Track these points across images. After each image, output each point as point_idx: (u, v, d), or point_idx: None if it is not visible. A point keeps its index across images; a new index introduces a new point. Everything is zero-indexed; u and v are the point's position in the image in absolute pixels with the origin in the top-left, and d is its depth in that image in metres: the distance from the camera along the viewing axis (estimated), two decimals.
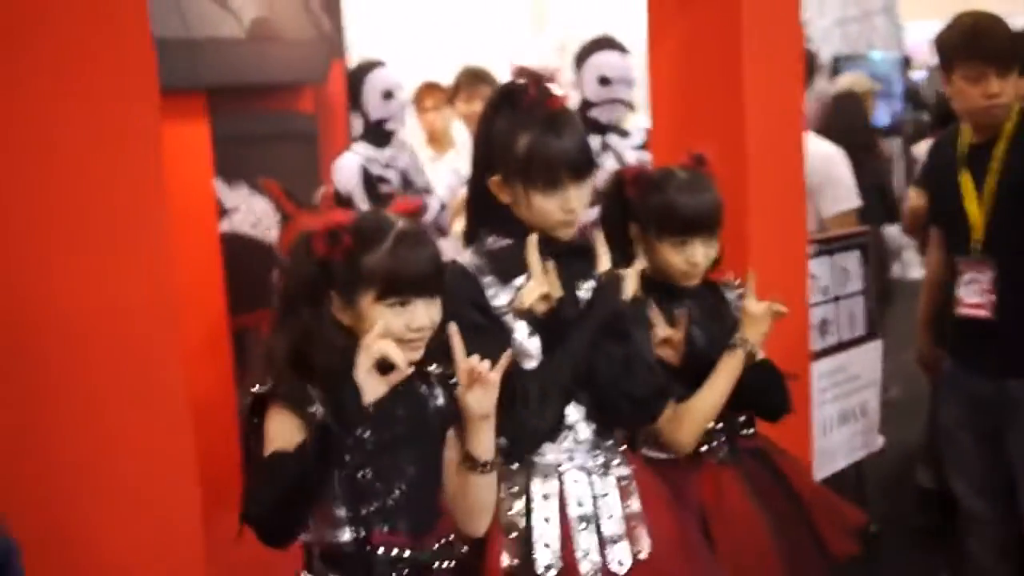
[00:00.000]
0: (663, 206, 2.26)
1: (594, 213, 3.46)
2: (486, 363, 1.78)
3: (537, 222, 2.00)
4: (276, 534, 1.72)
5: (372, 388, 1.68)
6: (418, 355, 1.79)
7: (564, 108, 1.99)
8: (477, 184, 2.06)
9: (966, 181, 2.98)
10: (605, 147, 4.31)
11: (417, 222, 1.87)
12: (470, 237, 2.08)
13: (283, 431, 1.72)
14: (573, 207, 1.98)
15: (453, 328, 1.80)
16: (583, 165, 1.98)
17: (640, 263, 2.12)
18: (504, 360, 1.82)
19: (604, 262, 2.07)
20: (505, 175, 1.99)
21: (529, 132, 1.95)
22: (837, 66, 8.86)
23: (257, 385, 1.78)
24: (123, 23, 1.56)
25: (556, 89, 2.00)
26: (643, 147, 4.34)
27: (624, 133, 4.32)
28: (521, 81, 1.99)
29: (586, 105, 4.28)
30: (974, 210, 2.96)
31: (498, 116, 2.00)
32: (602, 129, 4.31)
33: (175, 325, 1.69)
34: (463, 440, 1.87)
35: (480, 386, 1.79)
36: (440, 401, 1.89)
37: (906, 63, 8.98)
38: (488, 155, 2.01)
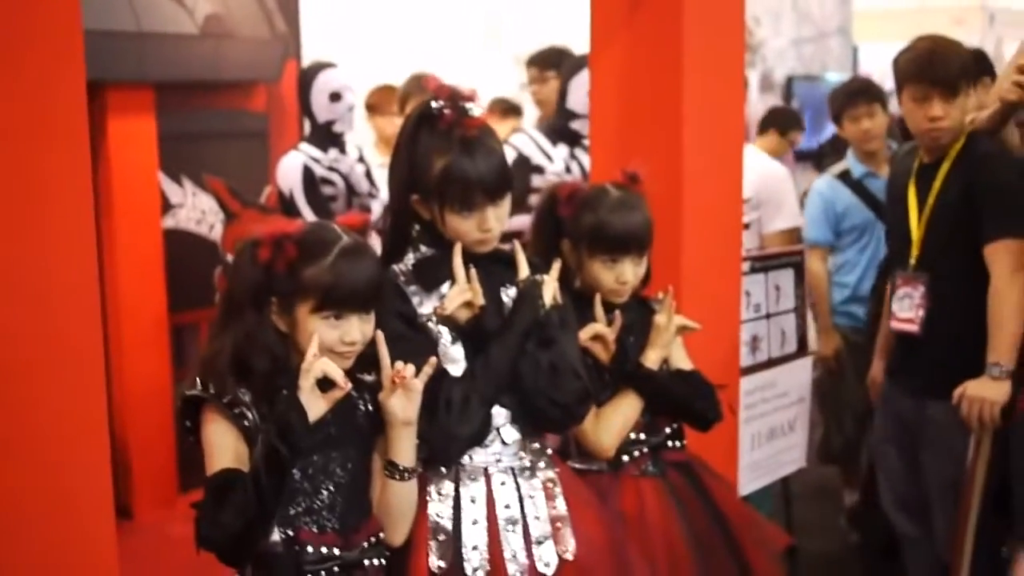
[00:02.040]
0: (594, 225, 2.30)
1: (518, 221, 3.51)
2: (410, 368, 1.82)
3: (455, 239, 2.04)
4: (241, 556, 1.78)
5: (315, 407, 1.75)
6: (349, 364, 1.85)
7: (481, 130, 2.00)
8: (399, 203, 2.09)
9: (911, 198, 3.06)
10: (573, 158, 4.36)
11: (361, 238, 1.91)
12: (389, 258, 2.08)
13: (224, 443, 1.77)
14: (490, 227, 2.02)
15: (380, 336, 1.84)
16: (499, 187, 2.01)
17: (557, 269, 2.14)
18: (428, 368, 1.86)
19: (523, 270, 2.11)
20: (423, 195, 2.03)
21: (445, 155, 1.98)
22: (791, 86, 8.98)
23: (190, 387, 1.80)
24: (53, 11, 1.55)
25: (474, 110, 2.02)
26: None
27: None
28: (438, 103, 2.01)
29: (568, 115, 4.32)
30: (914, 226, 3.03)
31: (417, 137, 2.02)
32: (576, 140, 4.35)
33: (96, 321, 1.69)
34: (385, 447, 1.91)
35: (403, 392, 1.84)
36: (369, 407, 1.92)
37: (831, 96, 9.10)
38: (409, 175, 2.04)
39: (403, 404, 1.85)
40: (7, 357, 1.55)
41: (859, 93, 4.07)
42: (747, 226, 3.81)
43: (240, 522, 1.71)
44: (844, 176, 4.17)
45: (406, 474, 1.89)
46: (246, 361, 1.78)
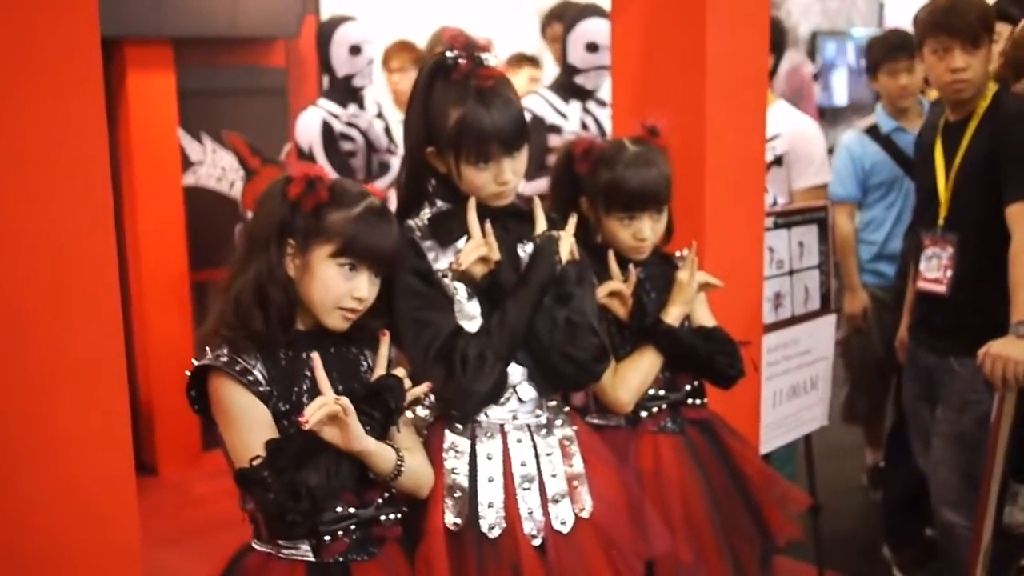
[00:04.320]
0: (609, 182, 2.27)
1: (538, 185, 3.47)
2: (309, 409, 1.72)
3: (471, 193, 2.01)
4: (313, 520, 1.76)
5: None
6: (346, 326, 1.85)
7: (497, 80, 1.97)
8: (414, 156, 2.05)
9: (938, 157, 3.03)
10: (586, 112, 4.31)
11: (387, 206, 1.90)
12: (404, 212, 2.07)
13: (255, 412, 1.77)
14: (507, 179, 1.99)
15: (316, 359, 1.79)
16: (515, 138, 1.98)
17: (573, 224, 2.11)
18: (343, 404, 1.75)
19: (540, 224, 2.08)
20: (439, 148, 2.00)
21: (460, 106, 1.94)
22: (816, 42, 8.85)
23: (206, 349, 1.80)
24: None
25: (490, 60, 1.98)
26: None
27: (603, 103, 4.32)
28: (453, 52, 1.98)
29: (571, 71, 4.28)
30: (942, 187, 3.00)
31: (432, 89, 1.99)
32: (585, 95, 4.30)
33: (113, 280, 1.68)
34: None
35: (332, 425, 1.75)
36: (370, 361, 1.92)
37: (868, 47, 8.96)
38: (424, 127, 2.00)
39: (337, 435, 1.76)
40: (26, 316, 1.55)
41: (900, 47, 3.98)
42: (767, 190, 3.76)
43: (325, 486, 1.72)
44: (872, 131, 4.11)
45: (394, 477, 1.86)
46: (267, 295, 1.78)
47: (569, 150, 2.37)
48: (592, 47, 4.19)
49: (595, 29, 4.17)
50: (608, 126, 4.19)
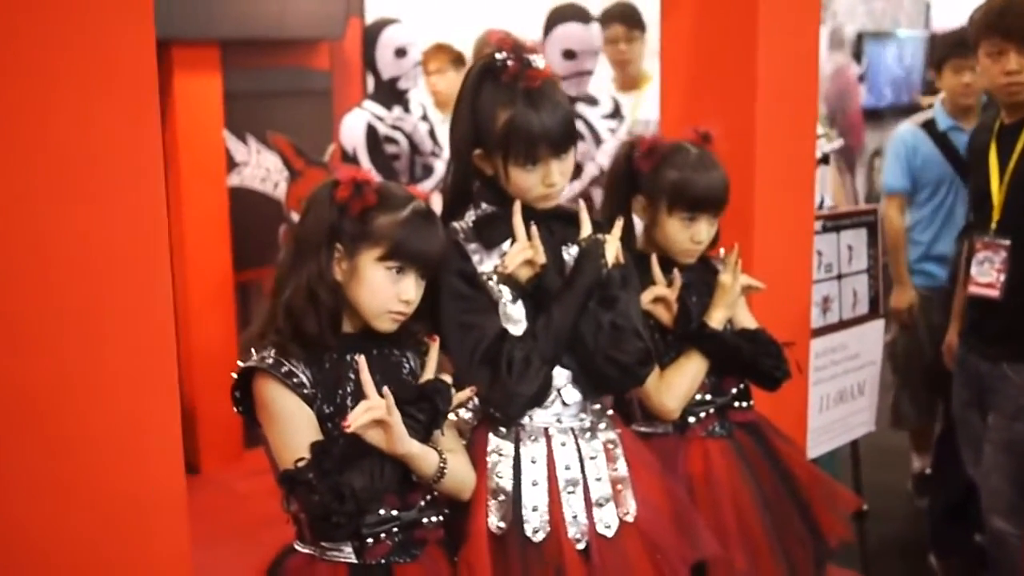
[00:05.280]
0: (676, 181, 2.25)
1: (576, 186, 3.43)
2: (353, 414, 1.73)
3: (518, 195, 2.00)
4: (357, 522, 1.77)
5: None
6: (394, 328, 1.85)
7: (545, 82, 1.96)
8: (461, 158, 2.05)
9: (992, 160, 2.99)
10: (576, 116, 4.26)
11: (432, 209, 1.90)
12: (449, 215, 2.06)
13: (300, 414, 1.77)
14: (554, 181, 1.99)
15: (362, 361, 1.79)
16: (563, 140, 1.97)
17: (619, 227, 2.10)
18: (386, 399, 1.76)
19: (586, 228, 2.07)
20: (487, 149, 1.99)
21: (509, 107, 1.94)
22: (861, 43, 8.76)
23: (246, 357, 1.81)
24: None
25: (538, 62, 1.97)
26: (612, 115, 4.30)
27: (593, 101, 4.27)
28: (501, 55, 1.97)
29: None
30: (996, 190, 2.96)
31: (480, 90, 1.99)
32: (570, 101, 4.24)
33: (166, 280, 1.68)
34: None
35: (376, 427, 1.76)
36: (412, 363, 1.92)
37: (933, 41, 8.87)
38: (471, 129, 2.00)
39: (381, 437, 1.76)
40: (80, 317, 1.56)
41: (967, 45, 3.93)
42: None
43: (370, 488, 1.73)
44: (928, 126, 4.05)
45: (436, 479, 1.86)
46: (318, 299, 1.79)
47: (630, 148, 2.35)
48: (569, 54, 4.09)
49: (570, 35, 4.09)
50: (600, 125, 4.14)
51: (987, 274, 2.96)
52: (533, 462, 2.00)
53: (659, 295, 2.28)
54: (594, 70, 4.23)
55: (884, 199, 4.22)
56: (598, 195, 3.88)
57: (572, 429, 2.05)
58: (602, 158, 4.04)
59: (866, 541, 3.40)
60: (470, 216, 2.05)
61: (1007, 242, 2.92)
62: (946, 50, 4.01)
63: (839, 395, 3.17)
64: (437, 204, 2.08)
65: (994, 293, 2.94)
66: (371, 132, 4.44)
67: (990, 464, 2.99)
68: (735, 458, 2.30)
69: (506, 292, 2.01)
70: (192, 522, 1.72)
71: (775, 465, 2.37)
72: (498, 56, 1.97)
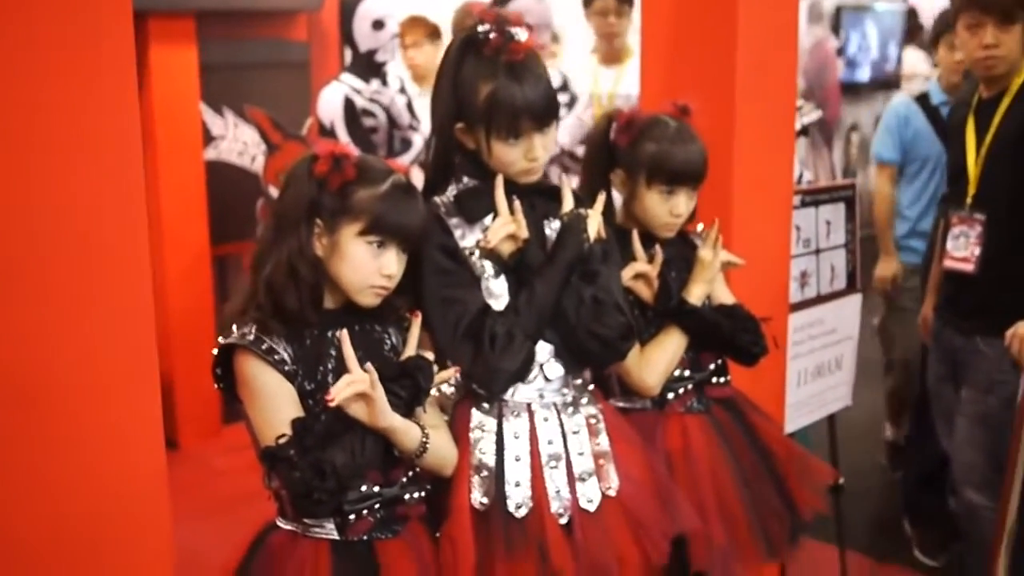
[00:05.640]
0: (654, 155, 2.25)
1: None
2: (336, 387, 1.72)
3: (500, 169, 2.00)
4: (338, 500, 1.77)
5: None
6: (376, 302, 1.85)
7: (528, 55, 1.95)
8: (442, 132, 2.03)
9: (969, 134, 3.00)
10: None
11: (412, 182, 1.89)
12: (430, 189, 2.05)
13: (282, 391, 1.76)
14: (537, 155, 1.98)
15: (344, 336, 1.78)
16: (546, 114, 1.97)
17: (601, 202, 2.10)
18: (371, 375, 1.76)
19: (568, 202, 2.07)
20: (469, 123, 1.98)
21: (491, 80, 1.93)
22: (839, 16, 8.76)
23: (226, 333, 1.80)
24: None
25: (521, 34, 1.96)
26: (561, 88, 4.31)
27: None
28: (484, 27, 1.95)
29: None
30: (972, 164, 2.97)
31: (462, 63, 1.97)
32: None
33: (144, 254, 1.67)
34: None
35: (359, 401, 1.75)
36: (394, 339, 1.91)
37: (911, 16, 8.88)
38: (453, 103, 1.98)
39: (363, 411, 1.76)
40: (57, 291, 1.54)
41: None
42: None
43: (351, 465, 1.73)
44: (922, 100, 4.07)
45: (419, 455, 1.86)
46: (299, 274, 1.78)
47: (608, 120, 2.35)
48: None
49: (524, 10, 4.06)
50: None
51: (962, 248, 2.97)
52: (516, 437, 2.01)
53: (640, 271, 2.28)
54: (546, 44, 4.25)
55: (875, 168, 4.24)
56: (554, 173, 3.89)
57: (555, 404, 2.05)
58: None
59: (841, 514, 3.43)
60: (452, 190, 2.04)
61: (983, 216, 2.93)
62: (941, 26, 4.04)
63: (816, 370, 3.19)
64: (416, 178, 2.07)
65: (969, 267, 2.96)
66: (349, 105, 4.42)
67: (963, 437, 3.02)
68: (713, 433, 2.31)
69: (488, 267, 2.00)
70: (173, 498, 1.72)
71: (752, 440, 2.39)
72: (480, 28, 1.96)
